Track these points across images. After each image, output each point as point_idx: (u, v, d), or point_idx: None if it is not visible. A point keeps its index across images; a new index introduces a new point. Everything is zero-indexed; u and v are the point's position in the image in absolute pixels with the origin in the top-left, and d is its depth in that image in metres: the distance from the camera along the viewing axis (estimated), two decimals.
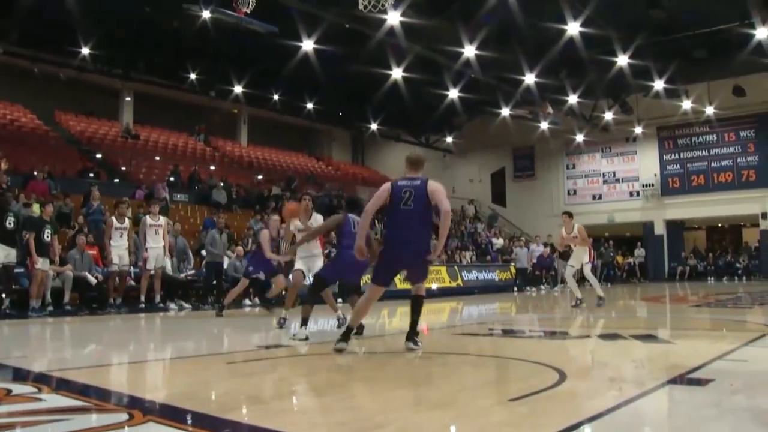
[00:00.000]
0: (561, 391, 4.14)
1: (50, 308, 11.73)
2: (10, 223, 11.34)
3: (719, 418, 3.48)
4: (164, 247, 13.05)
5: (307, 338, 7.00)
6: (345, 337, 5.98)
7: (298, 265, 8.37)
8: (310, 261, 8.33)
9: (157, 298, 12.98)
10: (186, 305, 13.44)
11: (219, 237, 14.15)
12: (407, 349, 5.96)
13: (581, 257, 12.78)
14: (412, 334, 6.05)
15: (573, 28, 18.38)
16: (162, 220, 13.28)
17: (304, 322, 7.08)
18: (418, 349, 5.97)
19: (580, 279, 13.84)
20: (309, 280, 8.67)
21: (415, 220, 5.77)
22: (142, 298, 12.76)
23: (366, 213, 6.06)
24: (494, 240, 26.61)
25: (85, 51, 21.13)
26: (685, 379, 4.54)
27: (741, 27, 18.90)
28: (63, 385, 4.51)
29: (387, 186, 5.99)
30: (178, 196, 20.86)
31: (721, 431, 3.29)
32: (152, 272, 12.83)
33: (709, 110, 27.29)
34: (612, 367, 5.58)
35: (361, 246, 6.15)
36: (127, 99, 26.55)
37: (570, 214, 12.94)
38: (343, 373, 5.37)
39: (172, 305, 13.10)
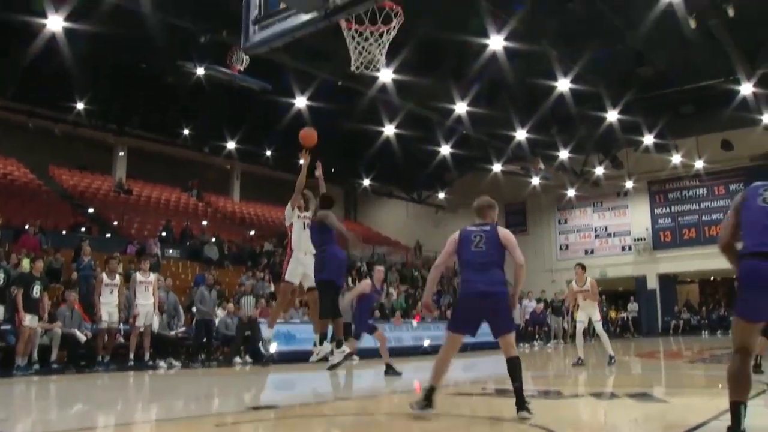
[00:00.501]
0: None
1: (36, 366, 11.46)
2: (0, 280, 11.23)
3: None
4: (154, 303, 12.93)
5: (344, 351, 6.91)
6: (428, 399, 5.38)
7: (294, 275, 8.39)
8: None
9: (146, 356, 12.77)
10: (175, 363, 13.21)
11: (208, 294, 14.06)
12: (520, 419, 5.17)
13: (590, 312, 12.39)
14: (522, 403, 5.28)
15: (563, 85, 18.69)
16: (152, 276, 13.18)
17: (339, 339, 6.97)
18: (530, 417, 5.17)
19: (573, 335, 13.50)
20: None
21: (488, 262, 5.58)
22: (131, 355, 12.55)
23: (435, 267, 5.90)
24: None
25: (80, 106, 21.29)
26: None
27: (726, 83, 19.31)
28: None
29: (455, 235, 5.75)
30: (170, 251, 20.73)
31: None
32: (141, 329, 12.67)
33: (699, 164, 27.62)
34: (607, 427, 5.48)
35: (428, 303, 6.15)
36: (121, 154, 26.63)
37: (583, 267, 12.60)
38: None
39: (162, 363, 12.88)
